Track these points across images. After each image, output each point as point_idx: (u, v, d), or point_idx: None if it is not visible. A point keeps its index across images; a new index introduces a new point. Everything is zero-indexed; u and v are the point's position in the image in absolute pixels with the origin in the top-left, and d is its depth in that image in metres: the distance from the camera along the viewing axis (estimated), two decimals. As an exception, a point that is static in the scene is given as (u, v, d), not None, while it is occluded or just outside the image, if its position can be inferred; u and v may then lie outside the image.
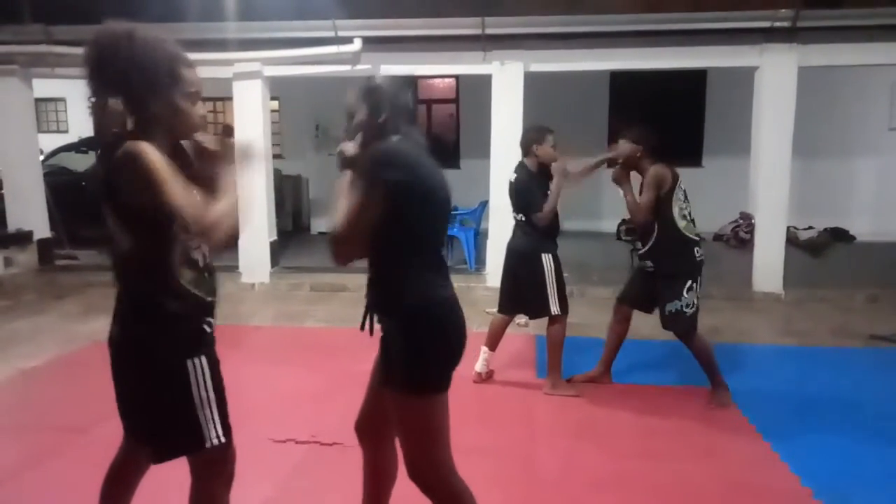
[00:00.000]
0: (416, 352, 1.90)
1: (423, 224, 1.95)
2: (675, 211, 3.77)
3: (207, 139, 1.84)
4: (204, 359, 1.84)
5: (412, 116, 2.09)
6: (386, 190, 1.84)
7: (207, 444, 1.83)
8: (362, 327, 2.04)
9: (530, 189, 3.91)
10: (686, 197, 3.84)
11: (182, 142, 1.88)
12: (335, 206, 1.93)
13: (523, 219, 3.97)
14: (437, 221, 2.02)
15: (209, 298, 1.89)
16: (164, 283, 1.78)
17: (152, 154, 1.68)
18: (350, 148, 2.01)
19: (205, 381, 1.83)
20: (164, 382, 1.80)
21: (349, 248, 1.91)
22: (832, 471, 3.11)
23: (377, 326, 2.03)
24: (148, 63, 1.72)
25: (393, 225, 1.87)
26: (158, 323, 1.80)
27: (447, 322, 1.97)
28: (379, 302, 2.00)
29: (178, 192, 1.68)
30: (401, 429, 2.00)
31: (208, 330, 1.89)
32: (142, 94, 1.75)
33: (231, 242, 1.83)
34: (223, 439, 1.86)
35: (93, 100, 1.76)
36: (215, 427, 1.84)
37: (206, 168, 1.83)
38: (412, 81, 2.23)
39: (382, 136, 1.97)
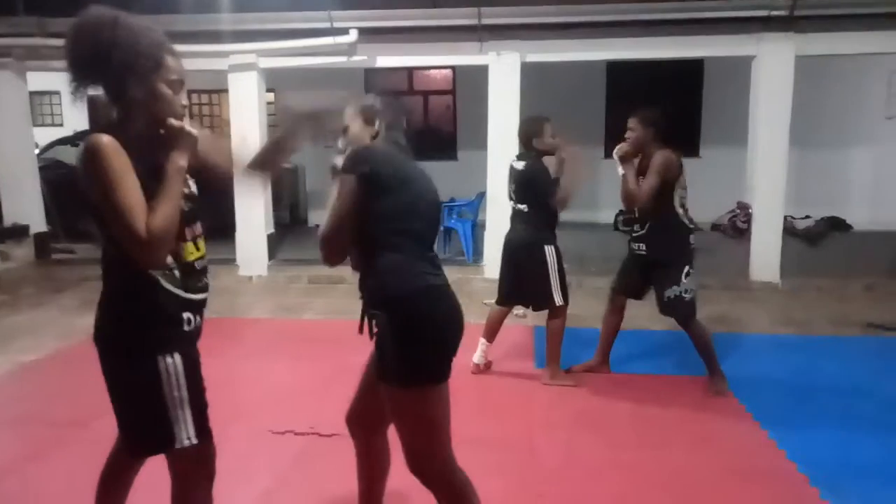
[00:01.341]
0: (405, 343, 1.90)
1: (399, 214, 1.97)
2: (676, 199, 3.77)
3: (178, 123, 1.77)
4: (178, 356, 1.79)
5: (402, 129, 2.21)
6: (359, 182, 1.93)
7: (177, 445, 1.81)
8: (361, 330, 2.04)
9: (543, 177, 3.90)
10: (685, 185, 3.84)
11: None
12: (327, 213, 2.01)
13: (526, 209, 3.96)
14: (417, 213, 2.01)
15: (187, 294, 1.83)
16: (134, 276, 1.75)
17: (109, 149, 1.63)
18: (340, 160, 2.09)
19: (177, 380, 1.79)
20: (135, 379, 1.78)
21: (334, 245, 1.99)
22: (829, 458, 3.13)
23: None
24: (129, 45, 1.68)
25: (371, 218, 1.94)
26: (129, 318, 1.77)
27: (435, 310, 1.97)
28: (367, 296, 2.01)
29: (129, 195, 1.63)
30: (397, 422, 2.00)
31: (187, 328, 1.83)
32: (121, 77, 1.71)
33: (163, 261, 1.74)
34: (194, 440, 1.82)
35: (74, 84, 1.72)
36: (186, 428, 1.81)
37: (164, 151, 1.76)
38: (406, 104, 2.29)
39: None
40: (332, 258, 2.01)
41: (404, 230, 1.98)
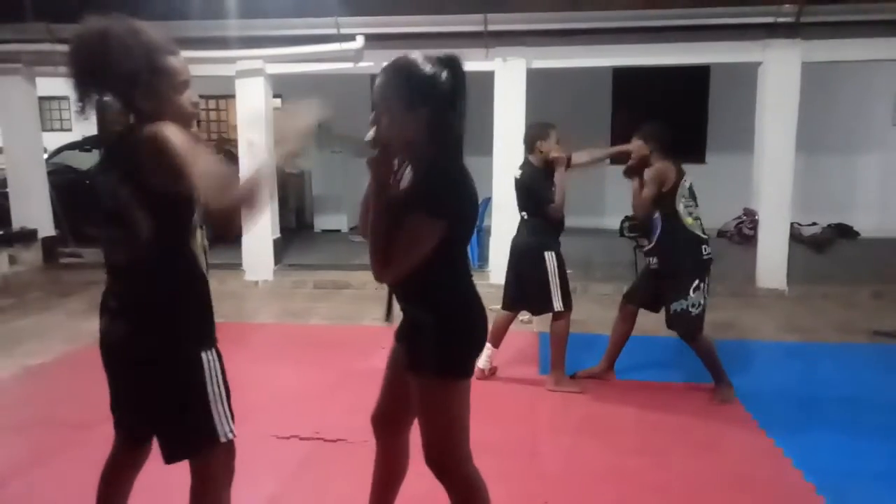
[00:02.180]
0: (451, 336, 1.92)
1: (464, 236, 1.98)
2: (681, 208, 3.77)
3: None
4: (214, 351, 1.85)
5: (459, 108, 1.85)
6: (445, 225, 1.80)
7: (222, 440, 1.83)
8: (386, 318, 2.07)
9: (538, 185, 3.93)
10: (694, 195, 3.84)
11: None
12: (371, 219, 1.84)
13: (526, 216, 3.99)
14: (472, 229, 2.03)
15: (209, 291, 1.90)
16: (183, 268, 1.79)
17: (176, 132, 1.69)
18: (372, 135, 1.81)
19: (217, 375, 1.83)
20: (179, 377, 1.79)
21: (402, 275, 1.88)
22: (835, 466, 3.11)
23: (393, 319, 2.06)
24: (124, 60, 1.69)
25: (440, 243, 1.83)
26: (174, 314, 1.79)
27: (477, 309, 2.01)
28: (411, 294, 1.99)
29: (205, 163, 1.66)
30: (424, 413, 2.00)
31: (215, 321, 1.90)
32: (126, 91, 1.73)
33: (238, 229, 1.72)
34: (234, 434, 1.87)
35: (79, 104, 1.74)
36: (227, 422, 1.84)
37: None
38: (459, 61, 1.85)
39: (425, 140, 1.81)
40: (390, 282, 1.94)
41: (462, 242, 1.99)
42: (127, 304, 1.82)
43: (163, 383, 1.80)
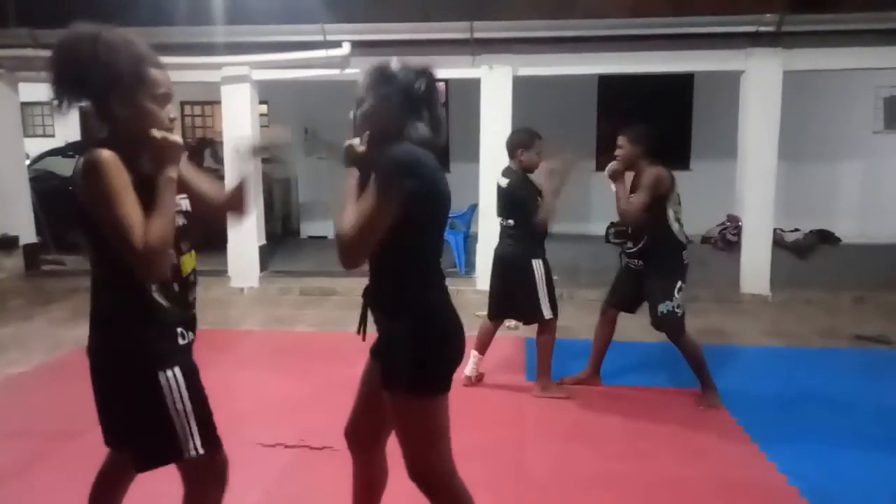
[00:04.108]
0: (424, 353, 1.89)
1: (432, 231, 1.95)
2: (671, 214, 3.80)
3: (161, 134, 1.74)
4: (178, 370, 1.79)
5: (430, 107, 1.92)
6: (405, 199, 1.78)
7: (185, 456, 1.80)
8: (359, 331, 2.04)
9: (524, 195, 3.91)
10: (679, 201, 3.87)
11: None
12: (342, 207, 1.87)
13: (513, 224, 3.98)
14: (441, 226, 2.00)
15: (180, 309, 1.84)
16: (130, 293, 1.74)
17: (111, 164, 1.64)
18: (358, 144, 1.94)
19: (180, 393, 1.79)
20: (137, 395, 1.77)
21: (360, 253, 1.85)
22: (818, 470, 3.14)
23: (370, 333, 2.03)
24: (110, 65, 1.67)
25: (403, 231, 1.82)
26: (127, 334, 1.77)
27: (451, 323, 1.97)
28: (383, 305, 1.97)
29: (129, 211, 1.64)
30: (403, 431, 1.97)
31: (182, 341, 1.84)
32: (105, 97, 1.71)
33: (163, 274, 1.73)
34: (201, 451, 1.82)
35: (55, 103, 1.72)
36: (193, 438, 1.81)
37: (153, 164, 1.75)
38: (431, 70, 1.94)
39: (394, 131, 1.87)
40: (353, 265, 1.86)
41: (431, 245, 1.96)
42: (93, 317, 1.82)
43: (121, 397, 1.80)
